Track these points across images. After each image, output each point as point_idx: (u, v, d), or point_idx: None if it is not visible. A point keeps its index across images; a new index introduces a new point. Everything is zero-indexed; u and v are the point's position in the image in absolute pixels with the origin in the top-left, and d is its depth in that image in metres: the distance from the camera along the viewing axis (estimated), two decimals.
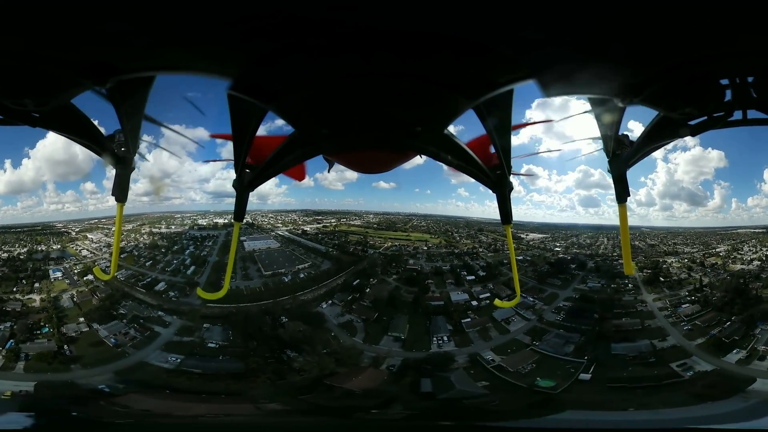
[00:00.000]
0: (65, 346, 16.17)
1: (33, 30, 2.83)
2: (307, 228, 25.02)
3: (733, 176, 21.77)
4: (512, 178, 4.04)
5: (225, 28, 2.87)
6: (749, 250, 20.95)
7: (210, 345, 17.09)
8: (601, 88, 3.59)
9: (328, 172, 5.07)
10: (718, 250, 21.64)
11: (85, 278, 19.48)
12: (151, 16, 2.76)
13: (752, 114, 3.71)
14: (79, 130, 3.95)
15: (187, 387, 15.06)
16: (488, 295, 19.32)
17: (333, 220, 25.30)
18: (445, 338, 17.74)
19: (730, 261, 20.50)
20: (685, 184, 22.93)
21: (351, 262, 21.90)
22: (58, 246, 22.30)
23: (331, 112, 3.53)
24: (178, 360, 16.25)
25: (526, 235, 24.00)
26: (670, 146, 19.68)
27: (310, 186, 24.93)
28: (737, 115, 3.71)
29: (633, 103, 3.60)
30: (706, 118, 3.72)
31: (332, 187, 25.33)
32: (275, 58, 3.09)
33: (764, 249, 20.48)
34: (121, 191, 4.32)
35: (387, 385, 15.54)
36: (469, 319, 18.45)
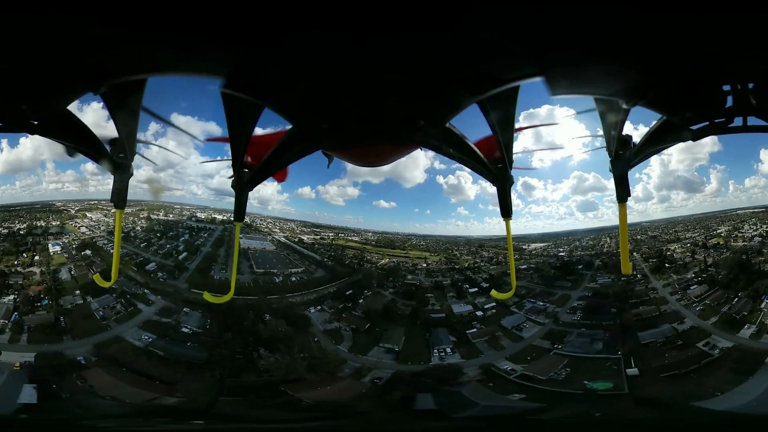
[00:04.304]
0: (61, 318, 16.80)
1: (26, 35, 2.83)
2: (305, 237, 25.04)
3: (728, 159, 21.82)
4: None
5: (215, 25, 2.80)
6: (749, 228, 20.92)
7: (184, 330, 16.96)
8: (607, 89, 3.65)
9: (328, 167, 4.99)
10: (719, 231, 21.59)
11: (82, 253, 20.23)
12: (140, 18, 2.71)
13: (752, 121, 3.69)
14: (76, 137, 3.92)
15: (143, 369, 15.06)
16: (494, 304, 18.75)
17: (331, 234, 25.24)
18: (448, 350, 16.91)
19: (731, 240, 20.51)
20: (680, 173, 23.11)
21: (345, 273, 21.75)
22: (57, 222, 22.55)
23: (331, 106, 3.48)
24: (149, 339, 16.33)
25: (528, 245, 23.66)
26: None
27: (311, 198, 25.18)
28: (738, 121, 3.70)
29: (637, 105, 3.64)
30: (707, 123, 3.72)
31: (333, 202, 25.22)
32: (268, 52, 3.00)
33: (765, 226, 20.45)
34: (119, 197, 4.16)
35: (363, 399, 14.36)
36: (474, 330, 17.85)
